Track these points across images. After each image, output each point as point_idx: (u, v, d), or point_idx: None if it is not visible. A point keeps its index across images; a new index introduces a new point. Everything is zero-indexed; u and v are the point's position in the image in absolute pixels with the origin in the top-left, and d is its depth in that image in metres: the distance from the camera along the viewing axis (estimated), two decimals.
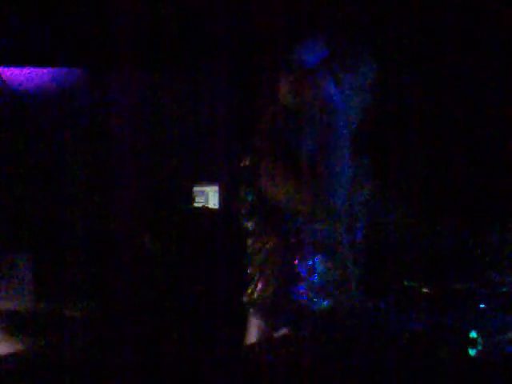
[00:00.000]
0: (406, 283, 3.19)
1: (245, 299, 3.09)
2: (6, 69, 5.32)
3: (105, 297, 4.23)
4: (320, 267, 3.10)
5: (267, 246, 3.03)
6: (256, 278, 3.07)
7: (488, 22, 4.55)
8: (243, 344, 3.09)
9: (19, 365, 4.18)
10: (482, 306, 3.07)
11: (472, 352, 2.93)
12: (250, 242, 3.07)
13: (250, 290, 3.11)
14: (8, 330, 4.60)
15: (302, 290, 3.06)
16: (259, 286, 3.08)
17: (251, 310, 3.12)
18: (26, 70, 5.35)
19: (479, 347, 2.93)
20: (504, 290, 3.11)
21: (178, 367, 3.55)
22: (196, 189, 8.20)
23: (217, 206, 8.00)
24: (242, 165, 3.09)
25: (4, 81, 5.22)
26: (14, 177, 5.23)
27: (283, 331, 3.04)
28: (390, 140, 4.63)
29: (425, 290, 3.16)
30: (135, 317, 4.06)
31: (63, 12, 5.18)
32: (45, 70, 5.52)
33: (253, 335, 3.13)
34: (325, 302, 3.06)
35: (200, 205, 8.06)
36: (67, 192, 5.25)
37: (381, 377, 2.99)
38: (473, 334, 2.92)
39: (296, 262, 3.06)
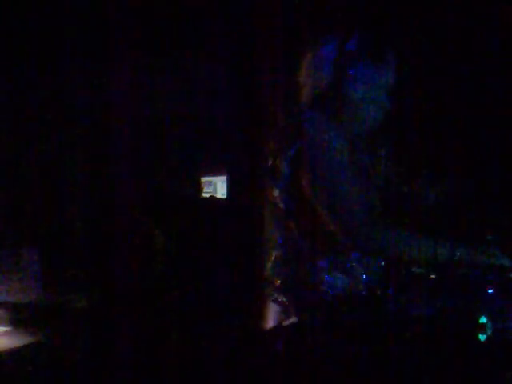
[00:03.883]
0: (413, 269, 3.16)
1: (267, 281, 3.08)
2: None
3: (110, 289, 4.23)
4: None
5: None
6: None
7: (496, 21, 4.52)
8: (251, 334, 3.08)
9: (25, 358, 4.18)
10: (490, 291, 3.04)
11: (482, 337, 2.91)
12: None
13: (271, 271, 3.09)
14: (15, 323, 4.60)
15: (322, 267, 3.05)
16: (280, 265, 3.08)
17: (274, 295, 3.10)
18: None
19: (489, 333, 2.90)
20: None
21: (182, 359, 3.56)
22: (204, 179, 8.20)
23: (225, 196, 7.99)
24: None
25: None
26: (18, 171, 5.23)
27: (292, 320, 3.03)
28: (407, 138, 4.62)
29: (432, 276, 3.14)
30: (140, 309, 4.05)
31: (61, 7, 5.17)
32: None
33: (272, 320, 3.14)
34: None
35: (208, 195, 8.07)
36: (71, 185, 5.25)
37: (389, 363, 2.97)
38: (483, 320, 2.89)
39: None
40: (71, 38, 5.26)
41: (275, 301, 3.16)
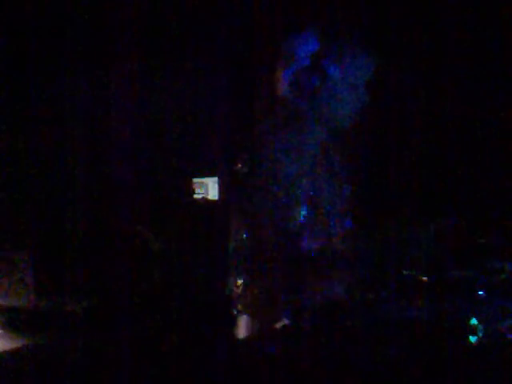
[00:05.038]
0: (404, 272, 3.19)
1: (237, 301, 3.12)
2: None
3: (104, 293, 4.23)
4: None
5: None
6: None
7: (488, 21, 4.52)
8: (241, 336, 3.10)
9: (20, 361, 4.17)
10: (480, 293, 3.07)
11: (473, 339, 2.93)
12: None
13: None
14: (9, 327, 4.59)
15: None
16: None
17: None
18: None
19: (480, 334, 2.93)
20: (503, 276, 3.11)
21: (177, 361, 3.57)
22: (195, 180, 8.17)
23: (216, 198, 7.97)
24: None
25: None
26: (13, 176, 5.21)
27: (283, 323, 3.05)
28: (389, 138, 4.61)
29: (424, 279, 3.17)
30: (134, 313, 4.06)
31: (64, 11, 5.14)
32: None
33: (245, 329, 3.16)
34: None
35: (200, 196, 8.03)
36: (67, 190, 5.23)
37: (381, 365, 2.99)
38: (473, 322, 2.92)
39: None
40: (73, 41, 5.24)
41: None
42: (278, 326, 3.31)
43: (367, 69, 3.22)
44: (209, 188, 8.73)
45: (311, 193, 3.05)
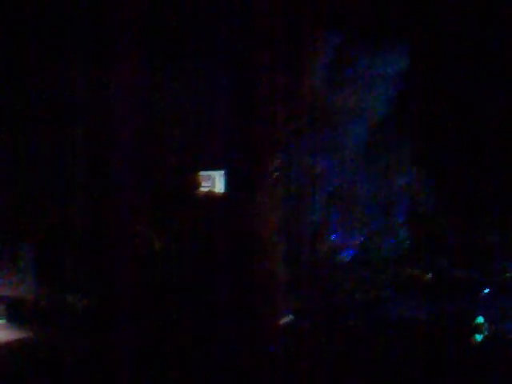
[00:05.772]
0: (409, 271, 3.16)
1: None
2: None
3: (105, 287, 4.22)
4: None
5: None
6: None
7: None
8: (247, 336, 3.09)
9: (21, 352, 4.18)
10: (486, 291, 3.04)
11: (479, 338, 2.91)
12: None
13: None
14: (11, 316, 4.62)
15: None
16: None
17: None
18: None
19: (485, 333, 2.90)
20: (507, 275, 3.07)
21: (179, 360, 3.56)
22: (202, 173, 8.12)
23: (223, 191, 7.93)
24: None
25: None
26: (16, 170, 5.22)
27: (286, 320, 3.03)
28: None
29: (428, 277, 3.14)
30: (135, 311, 4.04)
31: (66, 10, 5.12)
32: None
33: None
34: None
35: (206, 189, 7.99)
36: (70, 185, 5.23)
37: (386, 364, 2.96)
38: (479, 320, 2.89)
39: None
40: (76, 40, 5.23)
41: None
42: (283, 322, 3.28)
43: (396, 65, 3.18)
44: (215, 181, 8.70)
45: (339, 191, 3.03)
